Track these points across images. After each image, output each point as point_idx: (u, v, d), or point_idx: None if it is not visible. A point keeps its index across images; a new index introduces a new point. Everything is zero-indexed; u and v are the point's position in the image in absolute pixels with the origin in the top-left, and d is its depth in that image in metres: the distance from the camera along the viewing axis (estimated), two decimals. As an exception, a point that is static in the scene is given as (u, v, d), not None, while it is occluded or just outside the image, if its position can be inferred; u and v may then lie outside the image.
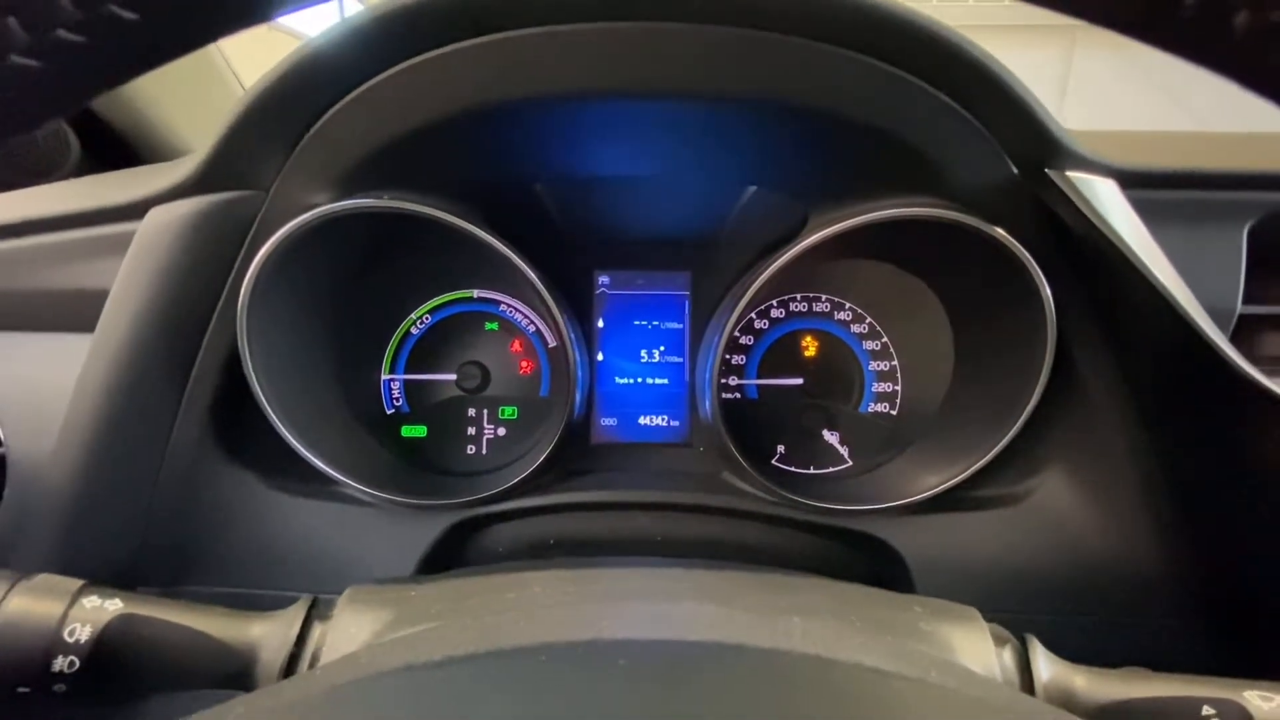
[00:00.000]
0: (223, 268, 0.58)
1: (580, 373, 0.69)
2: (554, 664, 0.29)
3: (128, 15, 0.18)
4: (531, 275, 0.64)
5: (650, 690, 0.27)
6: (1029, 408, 0.60)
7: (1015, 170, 0.56)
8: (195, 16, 0.20)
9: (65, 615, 0.39)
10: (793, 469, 0.79)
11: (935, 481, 0.64)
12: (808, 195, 0.66)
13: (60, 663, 0.38)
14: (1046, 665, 0.41)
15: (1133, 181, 0.56)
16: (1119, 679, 0.40)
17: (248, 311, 0.57)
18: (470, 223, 0.61)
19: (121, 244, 0.57)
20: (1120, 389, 0.58)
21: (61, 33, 0.18)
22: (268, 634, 0.42)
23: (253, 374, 0.59)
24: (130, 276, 0.56)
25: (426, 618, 0.42)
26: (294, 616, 0.43)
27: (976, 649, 0.41)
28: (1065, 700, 0.39)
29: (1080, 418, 0.61)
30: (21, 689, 0.38)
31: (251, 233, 0.57)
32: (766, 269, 0.63)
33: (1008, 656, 0.41)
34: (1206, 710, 0.37)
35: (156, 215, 0.56)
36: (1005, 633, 0.43)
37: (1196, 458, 0.56)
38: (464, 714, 0.27)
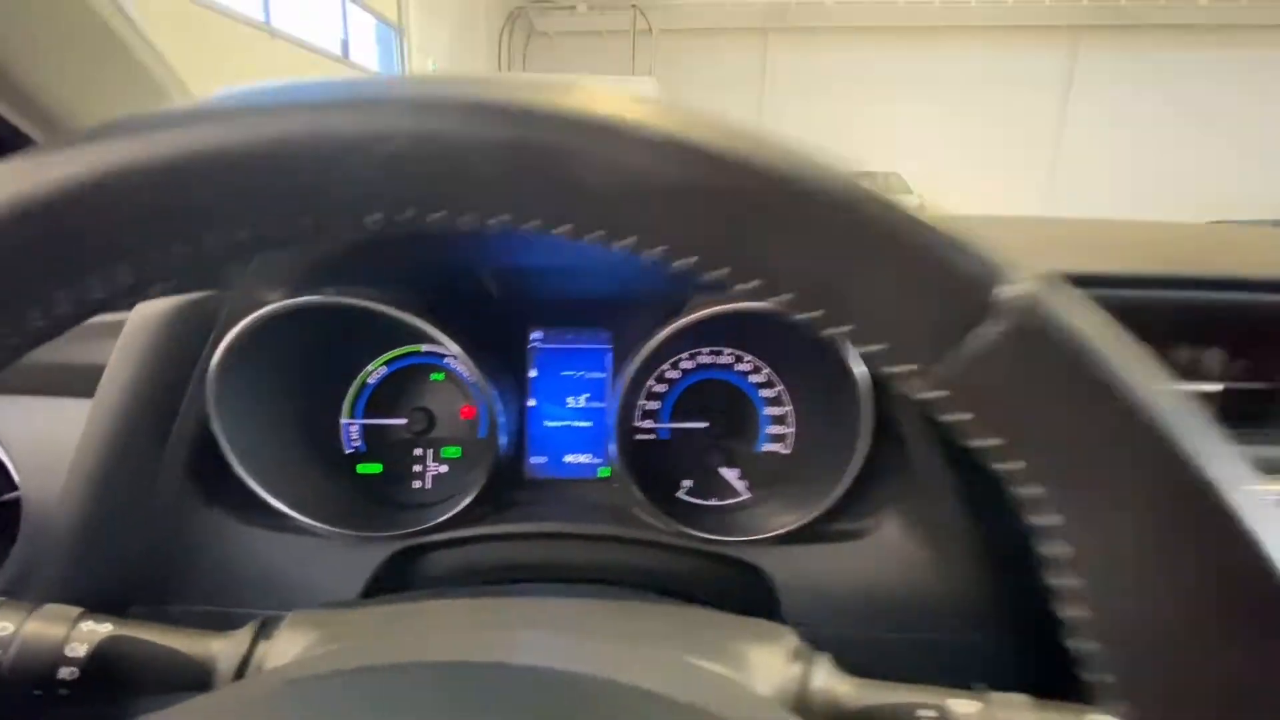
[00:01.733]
0: (195, 351, 0.70)
1: (503, 419, 0.81)
2: (415, 679, 0.41)
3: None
4: (456, 350, 0.76)
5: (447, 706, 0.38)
6: (856, 465, 0.72)
7: None
8: None
9: (68, 636, 0.51)
10: (697, 501, 0.91)
11: (793, 519, 0.75)
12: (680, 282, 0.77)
13: (64, 672, 0.50)
14: (823, 677, 0.52)
15: None
16: (874, 689, 0.50)
17: (215, 387, 0.69)
18: (408, 310, 0.73)
19: (115, 328, 0.69)
20: (936, 446, 0.69)
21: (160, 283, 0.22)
22: (223, 650, 0.54)
23: (222, 436, 0.70)
24: (121, 355, 0.69)
25: (351, 638, 0.54)
26: (244, 636, 0.55)
27: (768, 664, 0.52)
28: (831, 708, 0.50)
29: (905, 470, 0.72)
30: (35, 692, 0.51)
31: (220, 324, 0.70)
32: (650, 341, 0.75)
33: (795, 670, 0.52)
34: (921, 713, 0.48)
35: (142, 309, 0.69)
36: (806, 649, 0.54)
37: (989, 503, 0.67)
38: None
